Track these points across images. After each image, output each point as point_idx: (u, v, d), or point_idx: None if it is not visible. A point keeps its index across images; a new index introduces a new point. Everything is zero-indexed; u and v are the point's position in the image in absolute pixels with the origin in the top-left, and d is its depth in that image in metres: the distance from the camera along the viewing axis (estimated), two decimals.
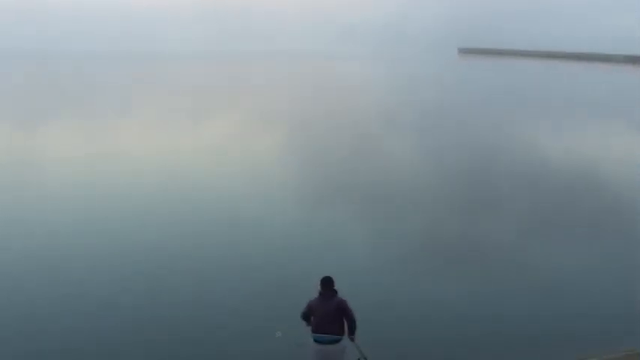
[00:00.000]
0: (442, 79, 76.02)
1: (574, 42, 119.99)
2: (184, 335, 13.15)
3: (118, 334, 13.24)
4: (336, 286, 10.43)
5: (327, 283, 10.36)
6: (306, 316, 10.43)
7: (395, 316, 14.00)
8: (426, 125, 43.35)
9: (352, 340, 10.39)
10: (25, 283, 15.77)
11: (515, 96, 59.34)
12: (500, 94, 61.60)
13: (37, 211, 21.91)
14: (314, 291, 10.50)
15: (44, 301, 14.78)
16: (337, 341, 10.21)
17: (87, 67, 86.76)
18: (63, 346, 12.72)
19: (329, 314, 10.21)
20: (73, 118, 45.28)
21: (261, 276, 16.13)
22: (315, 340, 10.25)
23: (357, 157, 32.20)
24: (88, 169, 28.40)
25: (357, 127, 42.22)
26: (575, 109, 51.33)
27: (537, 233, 20.01)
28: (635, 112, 50.78)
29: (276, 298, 14.57)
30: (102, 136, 37.49)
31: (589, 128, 43.44)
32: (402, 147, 35.18)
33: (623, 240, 19.56)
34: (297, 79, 77.61)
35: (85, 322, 13.67)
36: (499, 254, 18.25)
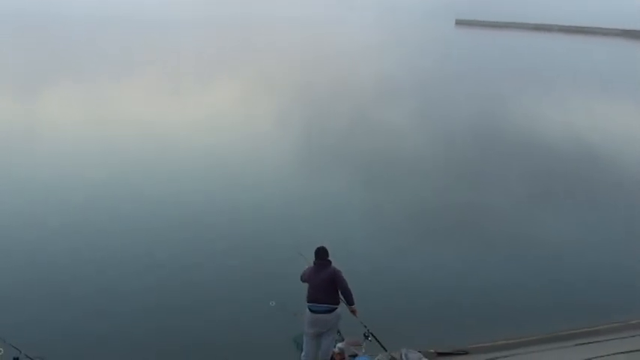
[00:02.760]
0: (439, 50, 75.65)
1: (570, 15, 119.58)
2: (176, 304, 13.32)
3: (109, 304, 13.45)
4: (332, 256, 10.58)
5: (321, 253, 10.56)
6: (303, 280, 10.67)
7: (392, 286, 14.22)
8: (422, 93, 43.23)
9: (353, 312, 10.60)
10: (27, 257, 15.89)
11: (510, 66, 59.24)
12: (496, 64, 61.47)
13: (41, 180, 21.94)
14: (309, 261, 10.70)
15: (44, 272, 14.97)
16: (332, 310, 10.42)
17: (83, 32, 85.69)
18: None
19: (323, 284, 10.42)
20: (74, 83, 44.92)
21: (256, 244, 16.31)
22: (310, 310, 10.46)
23: (354, 124, 32.16)
24: (87, 135, 28.36)
25: (355, 93, 42.05)
26: (569, 81, 51.27)
27: (537, 203, 20.24)
28: (629, 85, 50.86)
29: (271, 267, 14.76)
30: (104, 103, 37.10)
31: (582, 100, 43.42)
32: (398, 114, 35.14)
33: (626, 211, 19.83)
34: (294, 44, 76.91)
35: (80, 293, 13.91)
36: (498, 223, 18.46)
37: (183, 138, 28.05)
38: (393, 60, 61.52)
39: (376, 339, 10.93)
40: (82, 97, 39.17)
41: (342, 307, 10.53)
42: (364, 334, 10.96)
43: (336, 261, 10.65)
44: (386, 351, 10.95)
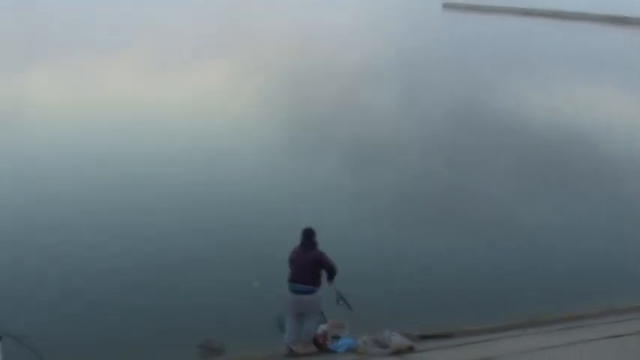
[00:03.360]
0: (425, 33, 75.45)
1: (561, 1, 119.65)
2: (157, 284, 13.20)
3: (91, 283, 13.36)
4: (319, 240, 10.56)
5: (307, 234, 10.50)
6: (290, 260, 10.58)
7: (378, 269, 14.15)
8: (406, 79, 43.01)
9: (330, 283, 10.55)
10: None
11: (496, 51, 59.22)
12: (483, 49, 61.41)
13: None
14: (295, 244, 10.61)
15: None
16: (313, 291, 10.35)
17: (70, 10, 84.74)
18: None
19: (306, 265, 10.39)
20: (58, 62, 44.36)
21: (240, 225, 16.19)
22: (292, 290, 10.38)
23: (340, 108, 31.86)
24: (78, 116, 28.01)
25: (337, 77, 41.70)
26: (558, 67, 51.31)
27: (524, 189, 20.24)
28: (613, 71, 51.04)
29: (255, 248, 14.66)
30: (87, 83, 36.45)
31: (572, 86, 43.47)
32: (384, 99, 34.94)
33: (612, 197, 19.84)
34: (273, 27, 76.33)
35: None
36: (485, 209, 18.43)
37: (171, 119, 27.71)
38: (373, 46, 60.96)
39: (345, 302, 10.94)
40: (62, 77, 38.70)
41: (323, 289, 10.47)
42: (336, 299, 10.90)
43: (323, 244, 10.59)
44: (352, 311, 10.95)
